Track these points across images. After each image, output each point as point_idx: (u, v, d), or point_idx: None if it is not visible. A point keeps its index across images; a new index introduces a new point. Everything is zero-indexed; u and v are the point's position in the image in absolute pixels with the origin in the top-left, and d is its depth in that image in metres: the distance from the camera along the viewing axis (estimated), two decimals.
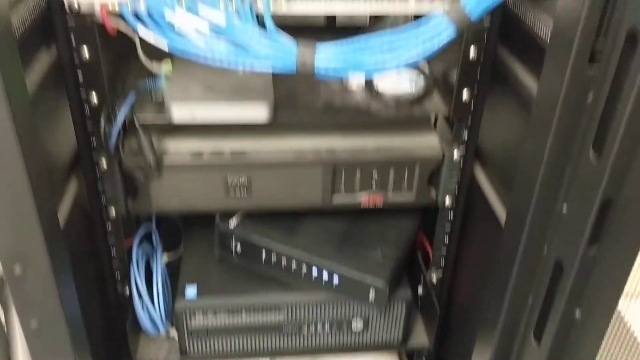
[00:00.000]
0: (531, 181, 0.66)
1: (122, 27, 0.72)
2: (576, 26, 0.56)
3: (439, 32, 0.63)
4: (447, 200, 0.94)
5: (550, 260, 0.66)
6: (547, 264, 0.67)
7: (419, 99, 0.89)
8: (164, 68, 0.87)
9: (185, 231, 1.12)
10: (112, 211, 0.89)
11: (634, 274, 0.64)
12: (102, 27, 0.72)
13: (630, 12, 0.51)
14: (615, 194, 0.57)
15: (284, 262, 0.98)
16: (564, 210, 0.63)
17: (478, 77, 0.82)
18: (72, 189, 0.83)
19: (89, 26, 0.73)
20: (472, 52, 0.79)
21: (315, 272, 0.97)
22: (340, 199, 0.92)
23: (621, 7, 0.53)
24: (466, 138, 0.89)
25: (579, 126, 0.60)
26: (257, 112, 0.82)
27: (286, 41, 0.66)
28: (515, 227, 0.71)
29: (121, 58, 0.86)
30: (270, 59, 0.66)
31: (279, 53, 0.65)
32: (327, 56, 0.65)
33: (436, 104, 0.89)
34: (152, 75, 0.87)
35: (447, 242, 1.01)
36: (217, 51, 0.66)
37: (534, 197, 0.66)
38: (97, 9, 0.70)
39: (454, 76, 0.84)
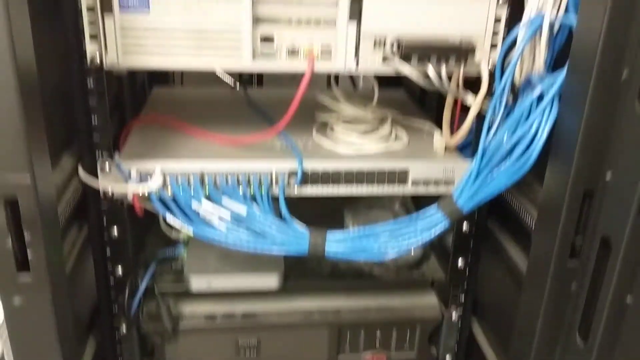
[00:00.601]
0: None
1: (149, 206, 0.79)
2: (557, 225, 0.64)
3: (435, 223, 0.72)
4: (448, 358, 0.99)
5: None
6: None
7: (417, 263, 0.96)
8: (183, 236, 0.94)
9: None
10: None
11: None
12: (130, 206, 0.80)
13: (603, 222, 0.59)
14: None
15: None
16: None
17: (471, 247, 0.90)
18: (90, 350, 0.87)
19: (119, 208, 0.81)
20: (465, 226, 0.87)
21: None
22: (346, 358, 0.96)
23: (595, 215, 0.61)
24: (463, 300, 0.95)
25: (566, 311, 0.66)
26: (269, 282, 0.89)
27: (300, 229, 0.74)
28: None
29: (144, 226, 0.94)
30: (286, 245, 0.73)
31: (294, 240, 0.73)
32: (336, 243, 0.73)
33: (433, 269, 0.96)
34: (172, 242, 0.94)
35: None
36: (238, 238, 0.73)
37: None
38: (130, 196, 0.78)
39: (449, 241, 0.91)
